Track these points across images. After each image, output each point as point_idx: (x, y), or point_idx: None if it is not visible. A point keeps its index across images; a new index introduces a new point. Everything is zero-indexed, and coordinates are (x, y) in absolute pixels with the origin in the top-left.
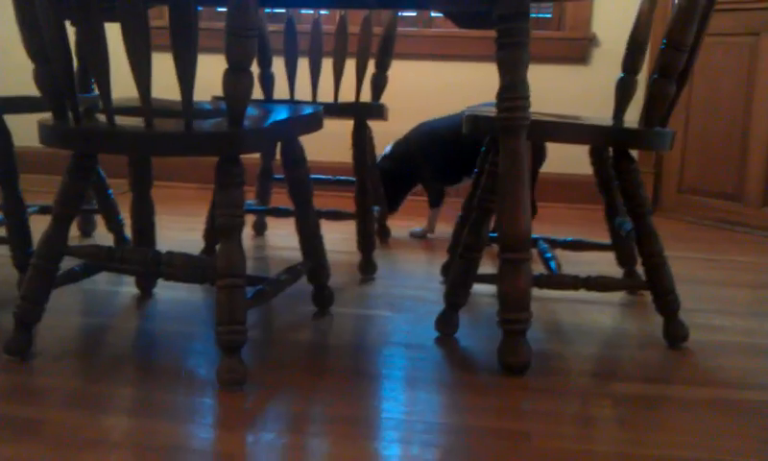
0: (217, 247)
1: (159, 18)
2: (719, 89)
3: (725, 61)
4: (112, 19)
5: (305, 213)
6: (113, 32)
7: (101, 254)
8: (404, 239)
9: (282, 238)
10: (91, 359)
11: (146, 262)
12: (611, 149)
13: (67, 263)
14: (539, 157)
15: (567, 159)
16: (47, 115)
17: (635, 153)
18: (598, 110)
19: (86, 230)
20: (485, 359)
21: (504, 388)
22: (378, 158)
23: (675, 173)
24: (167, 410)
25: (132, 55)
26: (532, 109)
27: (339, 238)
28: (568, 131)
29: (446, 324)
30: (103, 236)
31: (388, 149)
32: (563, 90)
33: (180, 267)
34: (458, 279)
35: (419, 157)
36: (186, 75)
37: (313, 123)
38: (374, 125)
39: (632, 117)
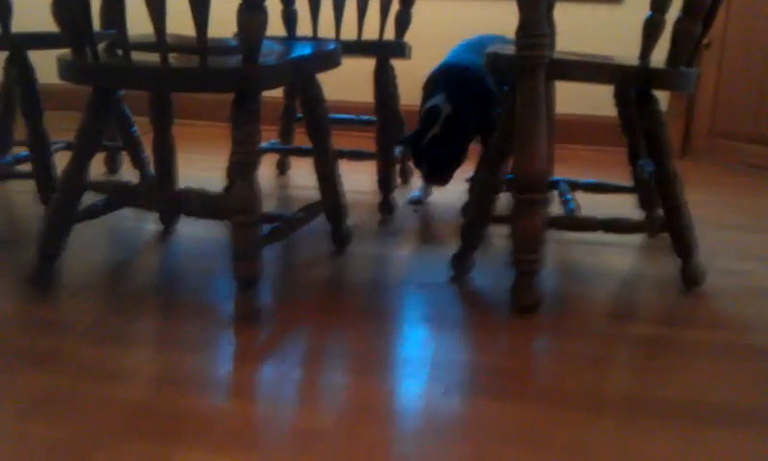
0: None
1: None
2: (754, 31)
3: (761, 3)
4: None
5: (323, 153)
6: None
7: (120, 189)
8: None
9: (305, 177)
10: (112, 293)
11: (164, 198)
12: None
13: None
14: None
15: (592, 100)
16: (67, 51)
17: (664, 95)
18: (633, 51)
19: (113, 167)
20: (498, 299)
21: (515, 328)
22: (428, 111)
23: (706, 117)
24: (184, 342)
25: None
26: (564, 49)
27: (360, 178)
28: (589, 70)
29: (461, 263)
30: (128, 173)
31: (441, 103)
32: (597, 30)
33: (196, 202)
34: (474, 218)
35: (491, 92)
36: (200, 10)
37: (330, 60)
38: (398, 65)
39: (662, 57)
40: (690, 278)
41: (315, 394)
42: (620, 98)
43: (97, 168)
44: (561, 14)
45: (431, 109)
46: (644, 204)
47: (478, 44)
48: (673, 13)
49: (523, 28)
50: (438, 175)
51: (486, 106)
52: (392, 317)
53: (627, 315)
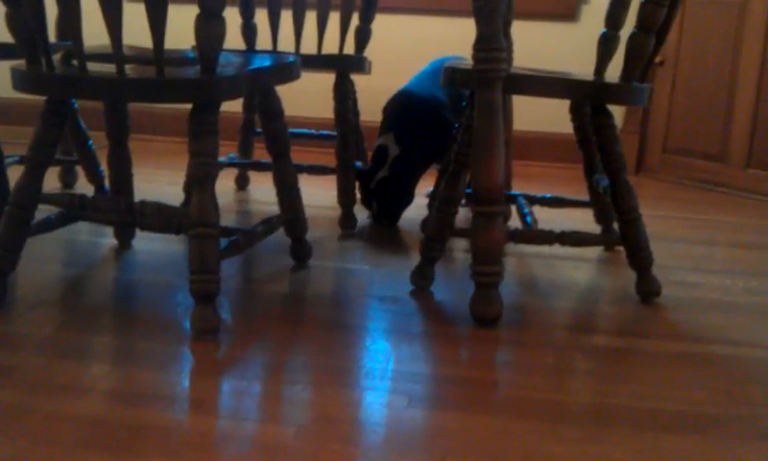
0: None
1: None
2: (707, 49)
3: (713, 21)
4: None
5: (282, 166)
6: None
7: (74, 202)
8: None
9: (264, 192)
10: (67, 308)
11: (119, 211)
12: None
13: (45, 213)
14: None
15: (551, 118)
16: (22, 62)
17: (619, 111)
18: (589, 68)
19: (68, 181)
20: (459, 312)
21: (476, 340)
22: (377, 151)
23: (660, 133)
24: (141, 358)
25: (103, 0)
26: (521, 65)
27: (321, 193)
28: (545, 85)
29: (422, 277)
30: (84, 188)
31: (390, 143)
32: (552, 48)
33: (152, 216)
34: (434, 232)
35: (447, 126)
36: (157, 21)
37: (289, 72)
38: (358, 80)
39: (616, 74)
40: (646, 290)
41: (276, 407)
42: (576, 113)
43: (52, 182)
44: (518, 31)
45: (379, 148)
46: (600, 218)
47: (440, 69)
48: (627, 30)
49: (480, 41)
50: (386, 216)
51: (441, 138)
52: (353, 330)
53: (586, 327)
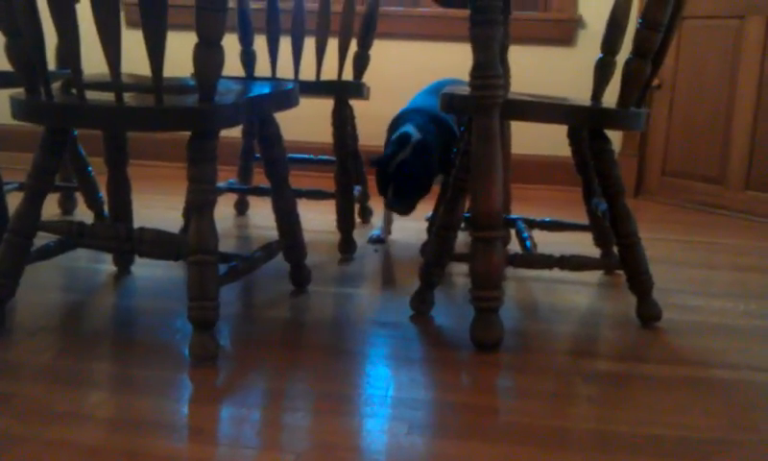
0: None
1: None
2: (704, 72)
3: (710, 44)
4: None
5: (281, 192)
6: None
7: (72, 229)
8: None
9: (264, 217)
10: (66, 335)
11: (117, 238)
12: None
13: (43, 240)
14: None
15: (550, 141)
16: (21, 90)
17: (617, 134)
18: (586, 93)
19: (67, 207)
20: (459, 337)
21: (477, 365)
22: (399, 137)
23: (658, 156)
24: (140, 385)
25: (101, 29)
26: (519, 90)
27: (320, 218)
28: (542, 110)
29: (421, 302)
30: (83, 214)
31: (411, 130)
32: (550, 72)
33: (150, 243)
34: (433, 257)
35: (453, 133)
36: (156, 49)
37: (288, 99)
38: (356, 105)
39: (613, 99)
40: (646, 314)
41: (276, 435)
42: (574, 138)
43: (52, 209)
44: (515, 56)
45: (402, 134)
46: (600, 241)
47: (439, 89)
48: (623, 55)
49: (477, 69)
50: (402, 201)
51: (449, 143)
52: (353, 355)
53: (586, 351)
